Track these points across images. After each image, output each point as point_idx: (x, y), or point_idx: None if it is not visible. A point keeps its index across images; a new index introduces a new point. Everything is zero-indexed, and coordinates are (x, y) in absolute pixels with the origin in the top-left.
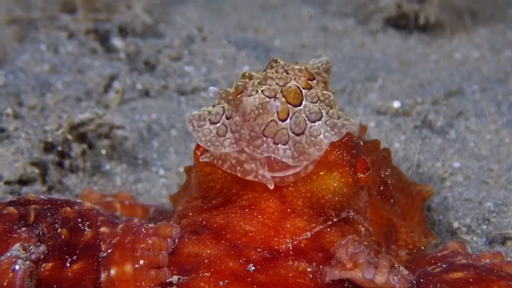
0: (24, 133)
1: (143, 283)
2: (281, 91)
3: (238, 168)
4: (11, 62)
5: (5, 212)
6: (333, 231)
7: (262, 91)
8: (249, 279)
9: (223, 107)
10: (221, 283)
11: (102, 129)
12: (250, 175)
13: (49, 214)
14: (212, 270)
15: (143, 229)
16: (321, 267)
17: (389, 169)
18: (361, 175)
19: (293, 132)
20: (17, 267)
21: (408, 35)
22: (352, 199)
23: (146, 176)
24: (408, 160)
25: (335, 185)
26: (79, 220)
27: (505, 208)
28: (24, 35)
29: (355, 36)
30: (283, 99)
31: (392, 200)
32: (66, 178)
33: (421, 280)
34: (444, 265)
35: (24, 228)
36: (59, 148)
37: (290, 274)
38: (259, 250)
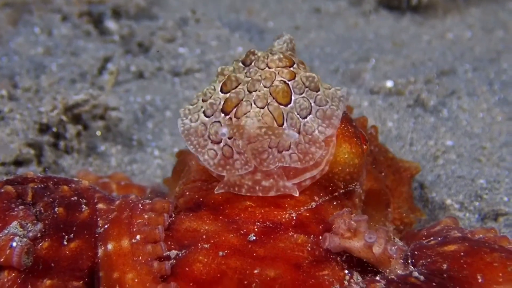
0: (19, 114)
1: (140, 257)
2: (270, 94)
3: (257, 187)
4: (5, 44)
5: (2, 190)
6: (334, 203)
7: (255, 102)
8: (248, 252)
9: (219, 122)
10: (221, 253)
11: (96, 110)
12: (272, 191)
13: (46, 193)
14: (212, 242)
15: (140, 205)
16: (320, 237)
17: (376, 147)
18: (364, 146)
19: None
20: (14, 244)
21: (401, 15)
22: (361, 169)
23: (141, 157)
24: (401, 138)
25: (346, 156)
26: (76, 198)
27: (497, 184)
28: (18, 18)
29: (348, 17)
30: (275, 103)
31: (383, 173)
32: (62, 159)
33: (416, 252)
34: (439, 238)
35: (22, 207)
36: (54, 129)
37: (288, 247)
38: (258, 224)
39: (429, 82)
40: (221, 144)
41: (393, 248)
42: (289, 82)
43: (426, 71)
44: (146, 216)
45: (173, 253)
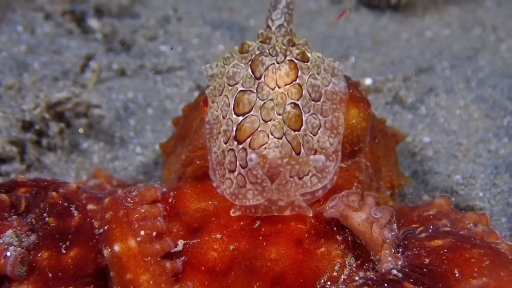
0: (2, 112)
1: (150, 257)
2: (284, 121)
3: (273, 207)
4: None
5: None
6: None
7: (272, 133)
8: (255, 233)
9: (233, 151)
10: (231, 247)
11: (79, 108)
12: (287, 210)
13: (37, 203)
14: (221, 224)
15: (129, 199)
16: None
17: None
18: (369, 110)
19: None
20: (8, 253)
21: (381, 14)
22: (367, 132)
23: (123, 154)
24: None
25: (354, 121)
26: (66, 204)
27: (472, 180)
28: (1, 16)
29: (329, 16)
30: (292, 132)
31: (376, 140)
32: (44, 156)
33: (406, 242)
34: (430, 230)
35: (15, 216)
36: (37, 127)
37: (292, 220)
38: None
39: (407, 80)
40: (236, 173)
41: (391, 234)
42: (299, 102)
43: (404, 68)
44: (142, 210)
45: (181, 242)
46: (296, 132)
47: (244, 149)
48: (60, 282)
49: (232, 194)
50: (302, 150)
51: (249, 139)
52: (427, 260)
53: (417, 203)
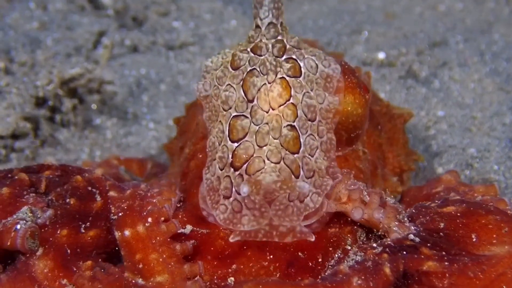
0: (16, 88)
1: (158, 238)
2: (281, 145)
3: (274, 233)
4: (0, 20)
5: (16, 177)
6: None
7: (268, 158)
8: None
9: (229, 177)
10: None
11: (92, 84)
12: (289, 236)
13: (60, 184)
14: None
15: (148, 194)
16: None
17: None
18: (366, 96)
19: (308, 178)
20: (18, 226)
21: None
22: (364, 118)
23: (136, 130)
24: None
25: (349, 108)
26: (89, 188)
27: (487, 153)
28: None
29: None
30: (290, 156)
31: (379, 126)
32: (58, 132)
33: (416, 211)
34: (438, 201)
35: (33, 194)
36: (50, 103)
37: None
38: None
39: (420, 54)
40: (231, 199)
41: (380, 214)
42: (295, 124)
43: (417, 42)
44: (154, 201)
45: (188, 227)
46: (296, 155)
47: (241, 175)
48: (78, 257)
49: (226, 220)
50: (301, 173)
51: (245, 165)
52: (442, 225)
53: (431, 177)
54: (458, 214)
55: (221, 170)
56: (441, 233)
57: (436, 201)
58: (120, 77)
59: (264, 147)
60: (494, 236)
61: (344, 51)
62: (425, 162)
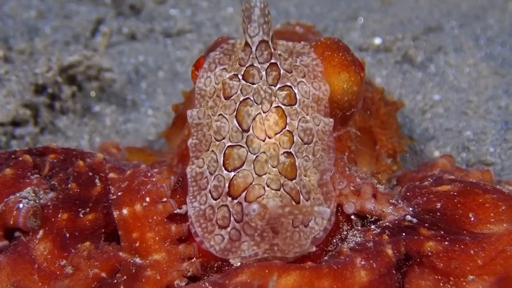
0: (15, 76)
1: (154, 217)
2: (280, 173)
3: (276, 248)
4: None
5: (20, 158)
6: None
7: (269, 185)
8: None
9: (226, 206)
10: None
11: (91, 71)
12: (290, 253)
13: (63, 168)
14: None
15: (148, 174)
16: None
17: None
18: (362, 73)
19: (307, 200)
20: (21, 205)
21: None
22: (360, 96)
23: (135, 117)
24: (390, 94)
25: (345, 86)
26: (90, 174)
27: (483, 136)
28: None
29: None
30: (289, 182)
31: (369, 112)
32: (57, 119)
33: (408, 193)
34: (432, 180)
35: (37, 176)
36: (50, 90)
37: None
38: None
39: (416, 39)
40: (229, 229)
41: (371, 204)
42: (291, 150)
43: (413, 28)
44: (153, 179)
45: (184, 208)
46: (294, 181)
47: (240, 203)
48: (77, 240)
49: (223, 250)
50: (301, 197)
51: (244, 193)
52: (439, 205)
53: (428, 160)
54: (455, 194)
55: (216, 199)
56: (438, 213)
57: (429, 179)
58: (119, 64)
59: (264, 176)
60: (492, 214)
61: (340, 37)
62: (417, 145)
